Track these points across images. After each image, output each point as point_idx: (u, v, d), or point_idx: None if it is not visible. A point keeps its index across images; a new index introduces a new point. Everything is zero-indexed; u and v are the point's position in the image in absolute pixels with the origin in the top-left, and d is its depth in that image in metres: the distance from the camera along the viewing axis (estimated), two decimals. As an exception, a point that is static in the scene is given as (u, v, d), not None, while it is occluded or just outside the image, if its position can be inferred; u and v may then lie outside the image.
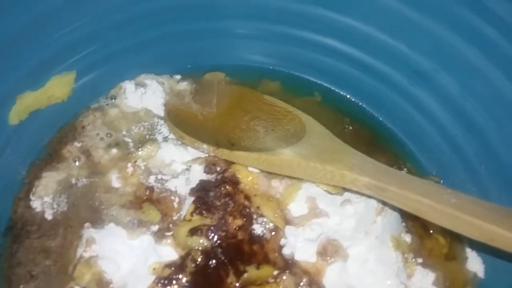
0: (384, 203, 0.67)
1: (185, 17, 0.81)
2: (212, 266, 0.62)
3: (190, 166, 0.71)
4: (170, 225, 0.67)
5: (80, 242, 0.66)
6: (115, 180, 0.71)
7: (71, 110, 0.79)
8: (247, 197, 0.67)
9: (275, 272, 0.64)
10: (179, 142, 0.75)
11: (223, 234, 0.64)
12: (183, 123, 0.76)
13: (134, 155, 0.73)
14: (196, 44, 0.86)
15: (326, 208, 0.67)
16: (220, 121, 0.77)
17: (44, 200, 0.71)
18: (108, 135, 0.76)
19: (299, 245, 0.65)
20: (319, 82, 0.88)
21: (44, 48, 0.72)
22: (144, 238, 0.65)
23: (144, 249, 0.64)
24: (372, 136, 0.84)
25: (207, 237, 0.63)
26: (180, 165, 0.73)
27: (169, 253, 0.64)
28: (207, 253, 0.63)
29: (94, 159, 0.74)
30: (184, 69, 0.86)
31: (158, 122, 0.78)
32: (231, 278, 0.62)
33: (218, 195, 0.66)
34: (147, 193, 0.70)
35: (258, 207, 0.66)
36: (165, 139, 0.76)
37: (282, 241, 0.66)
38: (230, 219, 0.65)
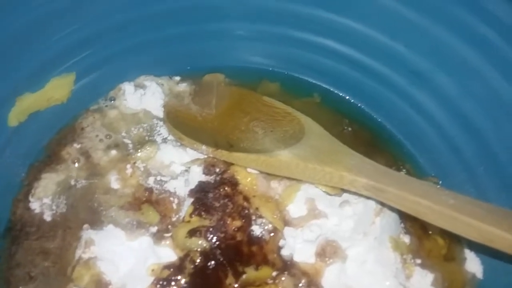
0: (383, 204, 0.67)
1: (184, 19, 0.81)
2: (211, 267, 0.62)
3: (189, 167, 0.71)
4: (169, 226, 0.67)
5: (79, 243, 0.66)
6: (114, 182, 0.71)
7: (71, 111, 0.79)
8: (246, 198, 0.67)
9: (274, 273, 0.64)
10: (178, 144, 0.75)
11: (222, 235, 0.64)
12: (182, 124, 0.76)
13: (133, 156, 0.74)
14: (195, 46, 0.86)
15: (325, 209, 0.68)
16: (219, 123, 0.77)
17: (43, 201, 0.71)
18: (107, 137, 0.76)
19: (298, 246, 0.65)
20: (318, 83, 0.88)
21: (43, 50, 0.72)
22: (143, 240, 0.65)
23: (143, 250, 0.64)
24: (371, 137, 0.84)
25: (206, 238, 0.63)
26: (179, 167, 0.73)
27: (168, 254, 0.64)
28: (206, 254, 0.63)
29: (93, 161, 0.74)
30: (183, 71, 0.86)
31: (157, 123, 0.78)
32: (230, 279, 0.62)
33: (217, 196, 0.67)
34: (146, 195, 0.70)
35: (257, 208, 0.67)
36: (164, 140, 0.76)
37: (281, 242, 0.66)
38: (229, 220, 0.65)
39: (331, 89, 0.88)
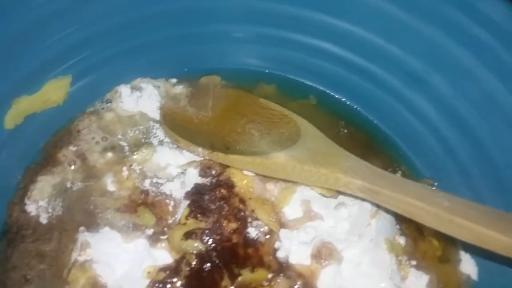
0: (378, 206, 0.67)
1: (180, 21, 0.82)
2: (206, 269, 0.62)
3: (185, 169, 0.71)
4: (165, 229, 0.67)
5: (75, 246, 0.66)
6: (110, 184, 0.71)
7: (67, 114, 0.79)
8: (242, 201, 0.67)
9: (270, 275, 0.64)
10: (175, 146, 0.75)
11: (218, 237, 0.64)
12: (178, 126, 0.76)
13: (129, 158, 0.74)
14: (192, 48, 0.86)
15: (321, 211, 0.68)
16: (216, 125, 0.77)
17: (39, 204, 0.71)
18: (104, 139, 0.76)
19: (293, 248, 0.65)
20: (314, 86, 0.89)
21: (40, 53, 0.72)
22: (139, 242, 0.65)
23: (138, 253, 0.64)
24: (367, 139, 0.84)
25: (201, 240, 0.63)
26: (175, 169, 0.73)
27: (164, 256, 0.64)
28: (202, 257, 0.63)
29: (89, 163, 0.74)
30: (180, 73, 0.86)
31: (153, 125, 0.78)
32: (225, 282, 0.62)
33: (213, 198, 0.67)
34: (142, 197, 0.70)
35: (253, 211, 0.67)
36: (161, 142, 0.76)
37: (277, 244, 0.66)
38: (225, 222, 0.65)
39: (327, 91, 0.88)
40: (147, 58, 0.84)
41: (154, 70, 0.84)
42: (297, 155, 0.66)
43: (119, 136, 0.77)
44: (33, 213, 0.70)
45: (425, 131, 0.80)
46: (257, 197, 0.68)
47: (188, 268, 0.62)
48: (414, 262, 0.70)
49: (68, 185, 0.72)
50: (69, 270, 0.64)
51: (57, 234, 0.68)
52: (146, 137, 0.77)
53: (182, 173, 0.72)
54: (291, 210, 0.68)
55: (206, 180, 0.69)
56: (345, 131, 0.84)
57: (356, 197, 0.65)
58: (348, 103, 0.88)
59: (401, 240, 0.70)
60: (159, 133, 0.78)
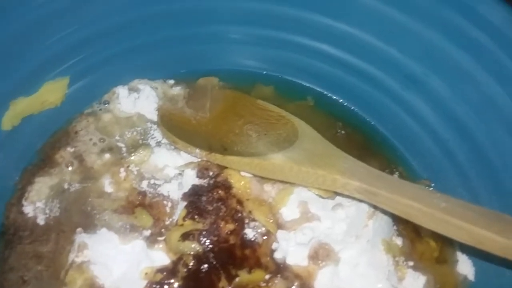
0: (375, 207, 0.67)
1: (179, 22, 0.82)
2: (204, 270, 0.63)
3: (182, 170, 0.71)
4: (162, 230, 0.67)
5: (72, 247, 0.66)
6: (107, 185, 0.71)
7: (64, 115, 0.79)
8: (240, 202, 0.67)
9: (267, 276, 0.64)
10: (172, 147, 0.75)
11: (215, 238, 0.64)
12: (176, 128, 0.76)
13: (127, 160, 0.73)
14: (189, 49, 0.86)
15: (318, 212, 0.68)
16: (213, 126, 0.77)
17: (37, 205, 0.71)
18: (101, 140, 0.76)
19: (290, 249, 0.65)
20: (312, 87, 0.89)
21: (37, 54, 0.72)
22: (136, 243, 0.65)
23: (136, 254, 0.64)
24: (364, 141, 0.84)
25: (199, 241, 0.64)
26: (173, 170, 0.73)
27: (161, 258, 0.64)
28: (199, 258, 0.63)
29: (87, 164, 0.74)
30: (177, 74, 0.86)
31: (151, 127, 0.78)
32: (223, 283, 0.63)
33: (210, 199, 0.67)
34: (139, 198, 0.70)
35: (250, 212, 0.67)
36: (158, 144, 0.76)
37: (274, 245, 0.66)
38: (222, 223, 0.65)
39: (325, 93, 0.88)
40: (145, 59, 0.84)
41: (151, 71, 0.84)
42: (294, 156, 0.66)
43: (117, 137, 0.76)
44: (31, 214, 0.70)
45: (423, 133, 0.80)
46: (255, 198, 0.68)
47: (185, 269, 0.62)
48: (411, 263, 0.70)
49: (66, 186, 0.72)
50: (66, 271, 0.63)
51: (54, 235, 0.68)
52: (144, 138, 0.77)
53: (180, 174, 0.72)
54: (289, 211, 0.68)
55: (203, 181, 0.69)
56: (343, 132, 0.84)
57: (353, 198, 0.65)
58: (345, 104, 0.88)
59: (398, 241, 0.70)
60: (157, 134, 0.78)
